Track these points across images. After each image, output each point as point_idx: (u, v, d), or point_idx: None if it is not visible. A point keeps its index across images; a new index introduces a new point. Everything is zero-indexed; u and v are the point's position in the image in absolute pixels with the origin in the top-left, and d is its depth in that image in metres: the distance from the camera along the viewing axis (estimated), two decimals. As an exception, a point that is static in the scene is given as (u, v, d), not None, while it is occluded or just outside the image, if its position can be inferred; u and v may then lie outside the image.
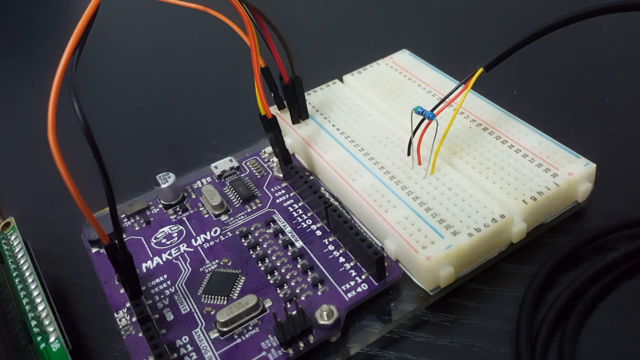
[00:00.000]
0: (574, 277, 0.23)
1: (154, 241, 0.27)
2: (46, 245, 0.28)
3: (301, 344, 0.22)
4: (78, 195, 0.19)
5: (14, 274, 0.25)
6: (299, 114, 0.30)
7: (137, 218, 0.28)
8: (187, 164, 0.31)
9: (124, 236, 0.27)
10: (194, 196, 0.29)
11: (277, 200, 0.28)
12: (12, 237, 0.27)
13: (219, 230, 0.27)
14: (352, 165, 0.27)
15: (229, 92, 0.39)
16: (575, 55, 0.37)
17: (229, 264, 0.25)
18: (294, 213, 0.27)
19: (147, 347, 0.22)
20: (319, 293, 0.24)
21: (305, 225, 0.26)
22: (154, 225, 0.28)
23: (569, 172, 0.25)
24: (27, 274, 0.25)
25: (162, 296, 0.24)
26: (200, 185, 0.29)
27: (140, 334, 0.23)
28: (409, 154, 0.27)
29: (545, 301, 0.23)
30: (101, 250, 0.26)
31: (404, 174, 0.27)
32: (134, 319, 0.23)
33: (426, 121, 0.25)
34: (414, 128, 0.26)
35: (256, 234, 0.26)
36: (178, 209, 0.28)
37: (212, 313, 0.23)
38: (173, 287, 0.25)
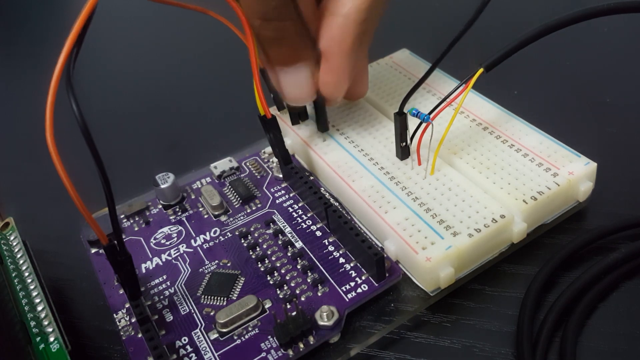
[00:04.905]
0: (575, 278, 0.23)
1: (154, 242, 0.27)
2: (45, 246, 0.28)
3: (301, 345, 0.22)
4: (77, 196, 0.19)
5: (13, 275, 0.25)
6: (299, 115, 0.30)
7: (137, 218, 0.28)
8: (187, 164, 0.31)
9: (123, 237, 0.27)
10: (193, 196, 0.29)
11: (277, 201, 0.28)
12: (11, 238, 0.26)
13: (218, 230, 0.27)
14: (352, 166, 0.27)
15: (229, 92, 0.39)
16: (575, 55, 0.37)
17: (229, 264, 0.25)
18: (293, 213, 0.27)
19: (146, 348, 0.22)
20: (319, 294, 0.23)
21: (305, 226, 0.26)
22: (153, 226, 0.27)
23: (569, 171, 0.25)
24: (26, 274, 0.25)
25: (162, 297, 0.24)
26: (199, 186, 0.29)
27: (140, 335, 0.23)
28: (408, 154, 0.27)
29: (546, 301, 0.23)
30: (100, 251, 0.26)
31: (403, 174, 0.26)
32: (133, 320, 0.23)
33: (423, 123, 0.25)
34: (410, 128, 0.26)
35: (256, 235, 0.26)
36: (177, 210, 0.28)
37: (212, 314, 0.23)
38: (172, 288, 0.25)
